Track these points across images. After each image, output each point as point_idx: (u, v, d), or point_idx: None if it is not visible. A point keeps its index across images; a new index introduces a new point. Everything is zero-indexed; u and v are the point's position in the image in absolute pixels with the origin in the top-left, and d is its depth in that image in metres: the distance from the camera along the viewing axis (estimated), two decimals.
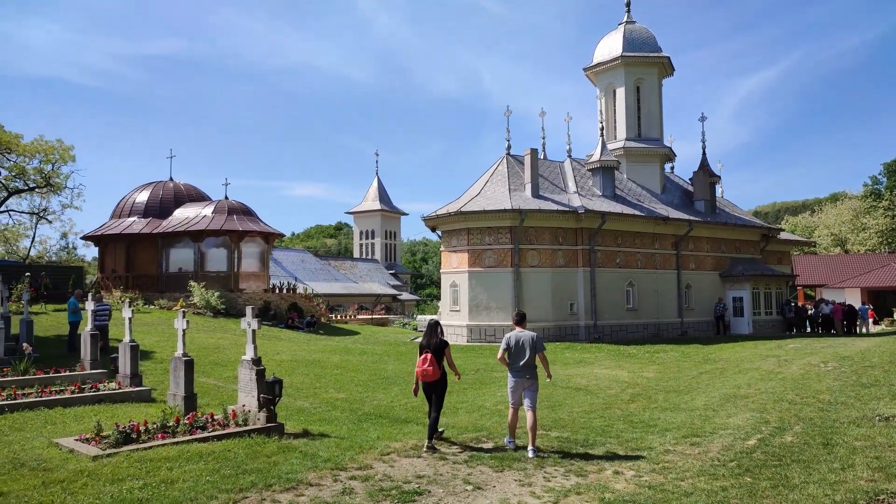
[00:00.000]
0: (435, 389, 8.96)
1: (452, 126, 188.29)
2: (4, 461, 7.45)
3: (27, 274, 26.54)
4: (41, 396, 11.06)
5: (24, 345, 15.04)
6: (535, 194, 27.74)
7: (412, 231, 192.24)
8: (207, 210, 31.38)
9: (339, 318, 38.52)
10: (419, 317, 42.57)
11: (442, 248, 29.51)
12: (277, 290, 33.08)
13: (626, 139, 32.71)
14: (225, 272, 30.73)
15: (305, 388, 14.23)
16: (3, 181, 45.01)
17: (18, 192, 46.18)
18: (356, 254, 67.52)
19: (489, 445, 8.94)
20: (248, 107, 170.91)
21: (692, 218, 30.67)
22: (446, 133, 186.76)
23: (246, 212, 32.07)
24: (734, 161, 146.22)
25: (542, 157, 30.72)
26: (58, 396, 11.16)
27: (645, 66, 32.99)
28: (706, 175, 33.51)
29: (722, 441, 9.01)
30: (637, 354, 21.94)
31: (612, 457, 8.31)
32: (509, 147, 29.98)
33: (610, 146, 32.12)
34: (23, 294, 18.81)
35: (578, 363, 19.76)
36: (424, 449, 8.49)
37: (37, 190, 46.50)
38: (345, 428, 10.19)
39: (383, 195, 67.53)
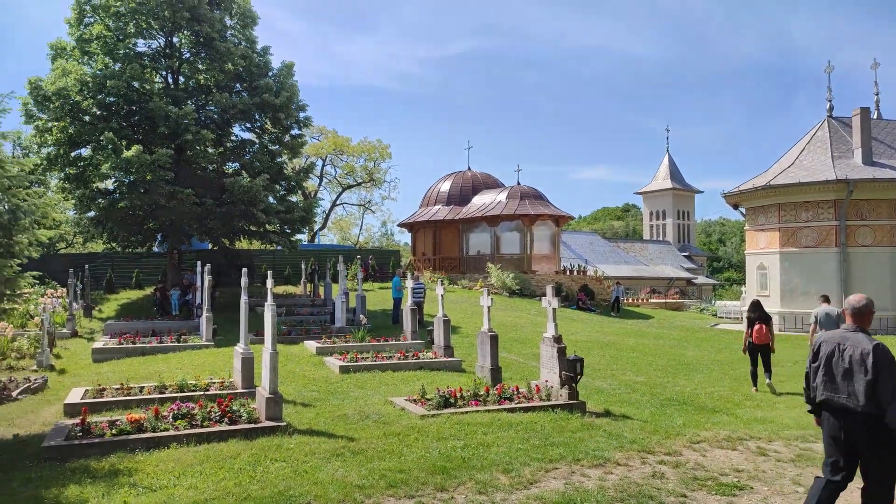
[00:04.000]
0: (762, 351, 11.97)
1: (754, 93, 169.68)
2: (354, 413, 8.82)
3: (358, 257, 31.12)
4: (375, 361, 12.86)
5: (361, 316, 17.66)
6: (868, 161, 23.54)
7: (707, 210, 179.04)
8: (501, 196, 33.17)
9: (629, 301, 37.67)
10: (718, 302, 39.48)
11: (746, 227, 26.86)
12: (568, 272, 33.60)
13: None
14: (518, 254, 32.21)
15: (602, 368, 14.18)
16: (338, 178, 53.47)
17: (349, 187, 54.49)
18: (646, 235, 65.20)
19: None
20: (537, 94, 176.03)
21: None
22: (747, 101, 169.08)
23: (537, 196, 33.13)
24: None
25: (874, 118, 25.93)
26: (388, 361, 12.85)
27: None
28: None
29: None
30: None
31: None
32: (831, 108, 25.92)
33: None
34: (357, 273, 22.08)
35: None
36: (767, 383, 11.90)
37: (363, 185, 54.29)
38: (647, 411, 9.89)
39: (675, 173, 63.92)
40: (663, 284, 49.51)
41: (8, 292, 8.45)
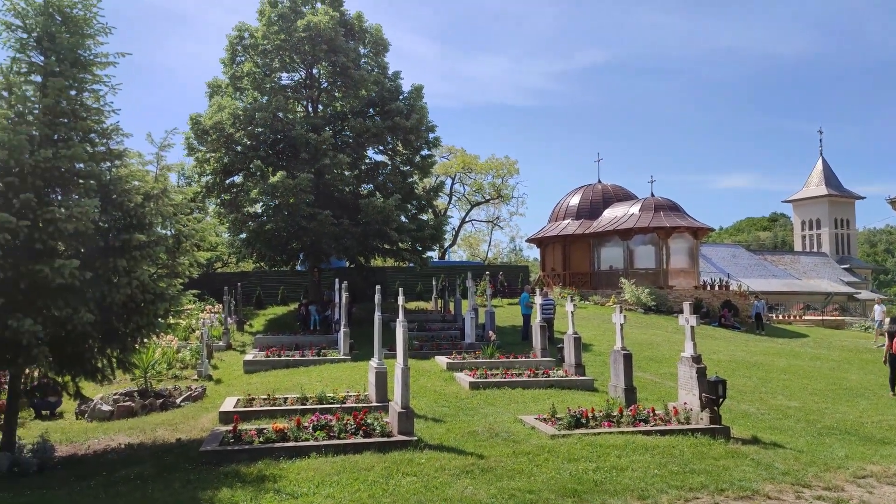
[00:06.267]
0: None
1: None
2: (484, 430, 8.82)
3: (487, 273, 31.32)
4: (505, 378, 12.81)
5: (490, 332, 17.70)
6: None
7: (870, 218, 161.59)
8: (634, 208, 32.01)
9: (779, 318, 34.79)
10: (886, 320, 35.41)
11: None
12: (708, 287, 31.69)
13: None
14: (653, 269, 30.86)
15: (748, 391, 13.18)
16: (467, 196, 54.29)
17: (478, 204, 55.13)
18: (797, 247, 60.11)
19: None
20: (670, 102, 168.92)
21: None
22: None
23: (672, 207, 31.63)
24: None
25: None
26: (517, 379, 12.76)
27: None
28: None
29: None
30: None
31: None
32: None
33: None
34: (486, 289, 22.21)
35: None
36: (891, 394, 13.03)
37: (491, 201, 54.76)
38: (802, 440, 9.05)
39: (830, 178, 58.51)
40: (819, 300, 45.30)
41: (173, 309, 9.36)
